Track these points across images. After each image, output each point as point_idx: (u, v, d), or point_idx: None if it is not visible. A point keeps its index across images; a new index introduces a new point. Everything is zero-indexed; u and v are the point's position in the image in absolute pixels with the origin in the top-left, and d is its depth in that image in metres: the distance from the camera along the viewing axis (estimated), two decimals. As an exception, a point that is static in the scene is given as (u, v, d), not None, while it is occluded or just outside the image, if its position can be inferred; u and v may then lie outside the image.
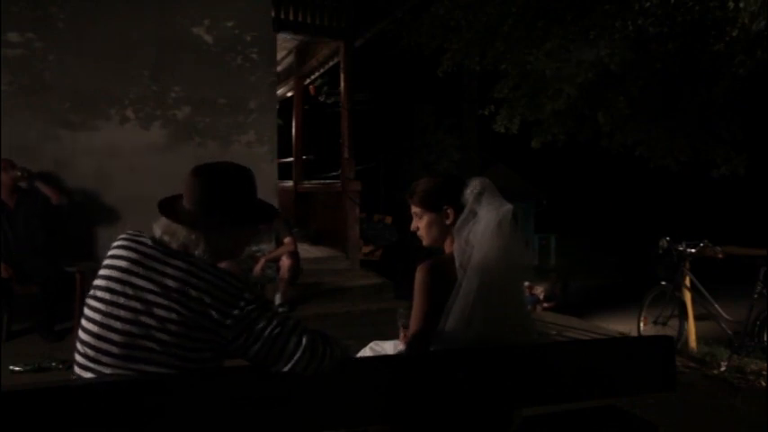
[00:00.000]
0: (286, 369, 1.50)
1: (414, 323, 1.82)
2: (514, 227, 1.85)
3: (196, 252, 1.53)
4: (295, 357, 1.49)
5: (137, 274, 1.47)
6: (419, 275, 1.82)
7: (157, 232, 1.56)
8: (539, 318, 5.91)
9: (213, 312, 1.44)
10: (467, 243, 1.83)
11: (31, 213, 4.64)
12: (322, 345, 1.53)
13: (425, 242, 1.96)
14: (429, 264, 1.83)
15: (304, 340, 1.50)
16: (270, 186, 6.16)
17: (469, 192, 1.88)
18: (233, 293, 1.47)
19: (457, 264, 1.81)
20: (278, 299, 5.38)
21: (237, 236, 1.64)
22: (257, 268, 5.29)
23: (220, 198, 1.57)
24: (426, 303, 1.80)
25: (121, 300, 1.45)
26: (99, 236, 5.41)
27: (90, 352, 1.47)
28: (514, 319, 1.84)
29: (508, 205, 1.86)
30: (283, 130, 8.80)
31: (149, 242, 1.53)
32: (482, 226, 1.82)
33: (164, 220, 1.57)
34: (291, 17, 7.01)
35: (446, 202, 1.90)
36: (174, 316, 1.43)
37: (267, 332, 1.48)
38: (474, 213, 1.85)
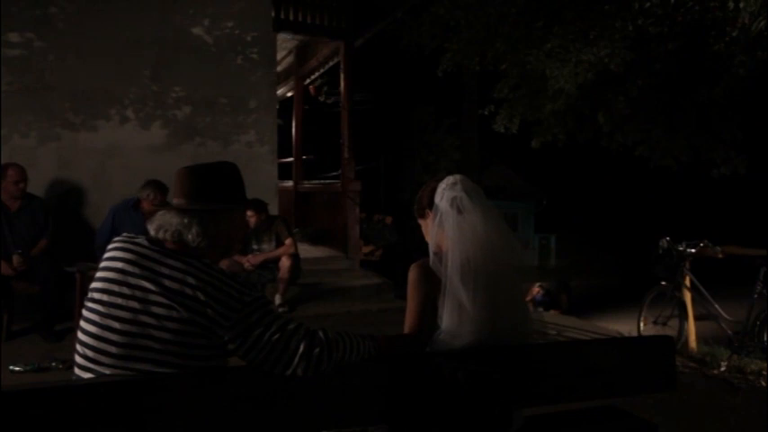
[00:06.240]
0: (284, 373, 1.50)
1: (407, 319, 1.85)
2: (501, 224, 1.85)
3: (189, 236, 1.54)
4: (293, 364, 1.49)
5: (133, 275, 1.47)
6: (410, 274, 1.87)
7: (152, 231, 1.57)
8: (539, 318, 5.90)
9: (209, 311, 1.44)
10: (441, 244, 1.84)
11: (33, 219, 4.61)
12: (320, 350, 1.52)
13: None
14: (419, 263, 1.88)
15: (302, 347, 1.50)
16: (270, 186, 6.17)
17: (439, 192, 1.88)
18: (230, 293, 1.46)
19: (431, 262, 1.84)
20: (278, 299, 5.38)
21: (228, 221, 1.63)
22: (249, 261, 5.24)
23: (208, 183, 1.61)
24: (418, 299, 1.84)
25: (119, 300, 1.46)
26: (99, 236, 5.40)
27: (89, 353, 1.47)
28: (510, 319, 1.83)
29: (489, 203, 1.86)
30: (283, 130, 8.80)
31: (145, 243, 1.54)
32: (451, 224, 1.82)
33: (158, 215, 1.58)
34: (291, 17, 7.00)
35: (427, 206, 1.93)
36: (172, 314, 1.43)
37: (266, 337, 1.48)
38: (439, 211, 1.86)
